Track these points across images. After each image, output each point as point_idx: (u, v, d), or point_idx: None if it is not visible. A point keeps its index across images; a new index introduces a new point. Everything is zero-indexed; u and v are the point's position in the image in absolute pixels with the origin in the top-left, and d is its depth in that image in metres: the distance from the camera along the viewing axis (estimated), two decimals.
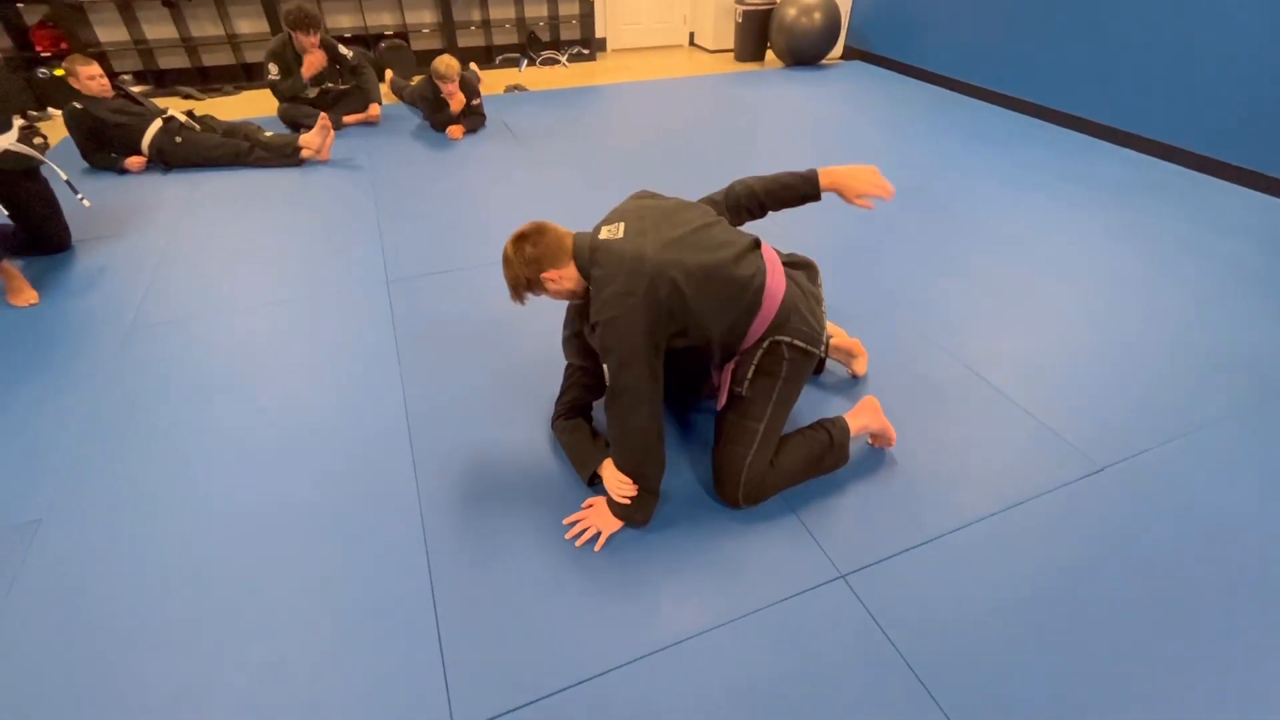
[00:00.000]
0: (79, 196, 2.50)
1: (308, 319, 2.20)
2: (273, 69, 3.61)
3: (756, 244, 1.47)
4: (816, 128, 4.02)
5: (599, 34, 5.96)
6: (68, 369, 1.97)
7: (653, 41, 6.27)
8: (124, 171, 3.29)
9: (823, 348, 1.51)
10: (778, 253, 1.56)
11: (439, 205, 2.99)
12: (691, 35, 6.34)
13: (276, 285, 2.40)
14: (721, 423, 1.52)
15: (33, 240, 2.50)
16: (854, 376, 1.93)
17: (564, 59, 5.66)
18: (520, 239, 1.41)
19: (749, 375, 1.45)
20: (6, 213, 2.40)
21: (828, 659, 1.23)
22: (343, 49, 3.72)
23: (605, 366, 1.34)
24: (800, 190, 1.57)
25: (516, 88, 4.84)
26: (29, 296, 2.28)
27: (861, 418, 1.60)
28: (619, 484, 1.43)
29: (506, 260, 1.43)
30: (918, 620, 1.29)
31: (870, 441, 1.69)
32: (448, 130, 3.79)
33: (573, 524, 1.47)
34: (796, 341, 1.44)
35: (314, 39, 3.58)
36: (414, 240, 2.69)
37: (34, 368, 1.97)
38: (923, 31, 4.93)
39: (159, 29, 4.72)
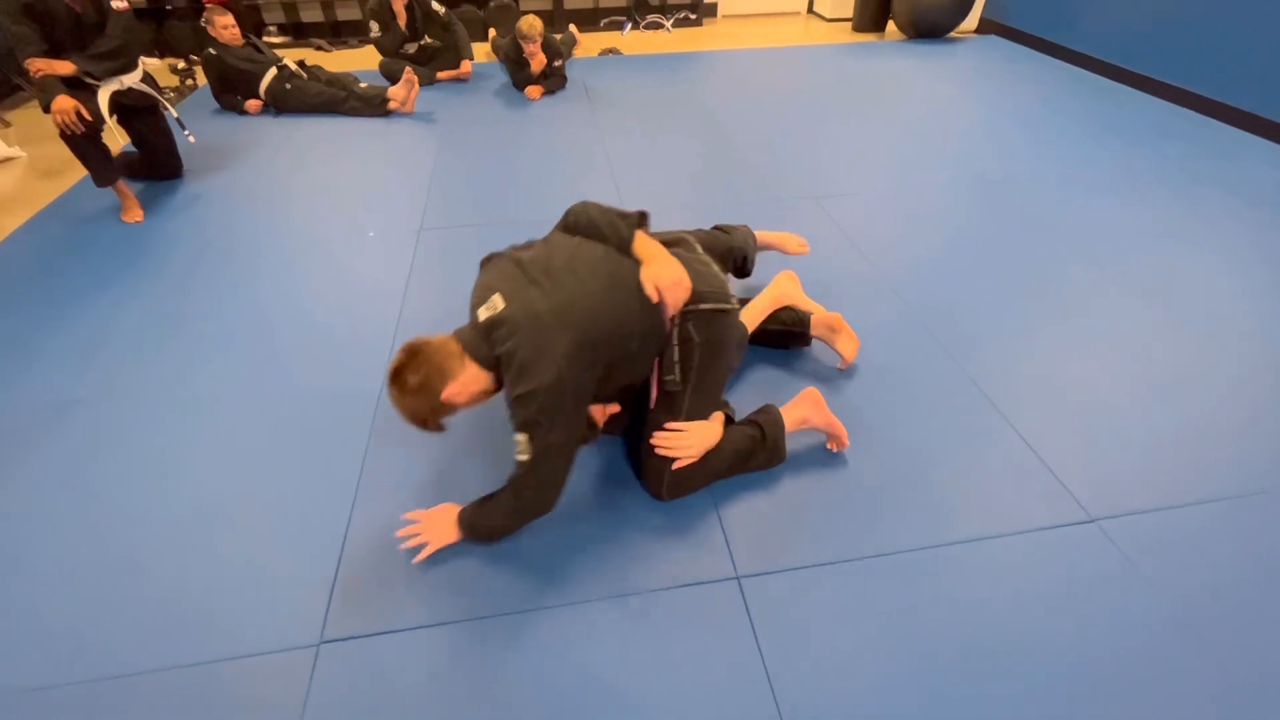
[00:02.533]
0: (185, 133, 2.86)
1: (337, 256, 2.40)
2: (374, 27, 3.87)
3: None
4: (911, 108, 3.64)
5: None
6: (146, 278, 2.30)
7: (768, 8, 5.96)
8: (244, 113, 3.71)
9: (734, 300, 1.42)
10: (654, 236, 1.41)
11: (490, 162, 3.09)
12: (810, 1, 5.95)
13: (322, 223, 2.63)
14: (649, 419, 1.44)
15: (150, 167, 2.91)
16: (842, 366, 1.78)
17: (668, 23, 5.55)
18: (396, 374, 1.20)
19: (675, 361, 1.37)
20: (131, 141, 2.81)
21: (688, 654, 1.18)
22: (435, 4, 3.91)
23: (526, 438, 1.19)
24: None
25: (611, 51, 4.82)
26: (136, 214, 2.66)
27: (800, 410, 1.49)
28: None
29: (395, 401, 1.23)
30: (798, 640, 1.20)
31: (827, 443, 1.57)
32: (526, 90, 3.88)
33: (409, 522, 1.37)
34: (702, 306, 1.34)
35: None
36: (454, 194, 2.81)
37: (121, 274, 2.32)
38: (1073, 3, 4.27)
39: None
